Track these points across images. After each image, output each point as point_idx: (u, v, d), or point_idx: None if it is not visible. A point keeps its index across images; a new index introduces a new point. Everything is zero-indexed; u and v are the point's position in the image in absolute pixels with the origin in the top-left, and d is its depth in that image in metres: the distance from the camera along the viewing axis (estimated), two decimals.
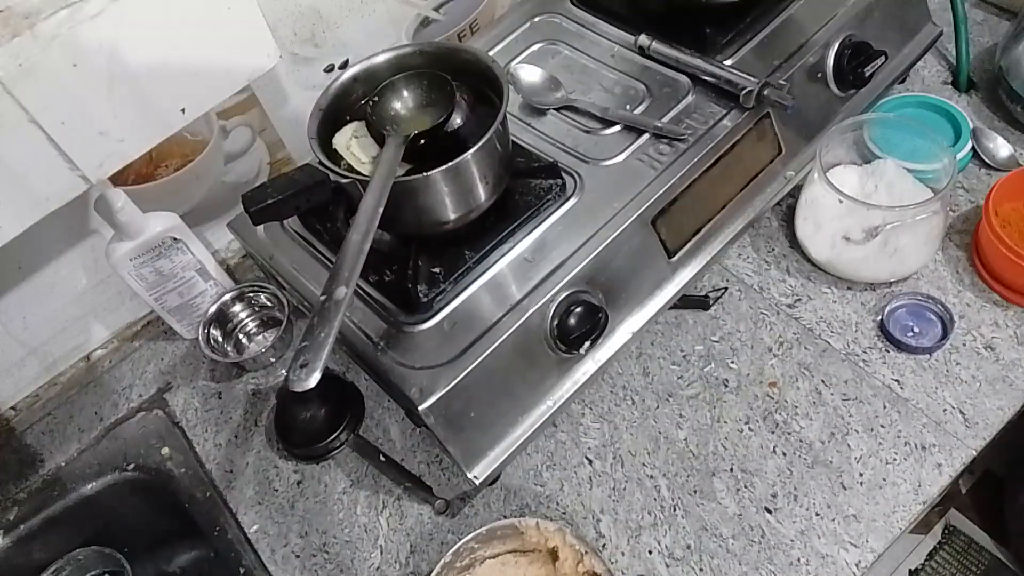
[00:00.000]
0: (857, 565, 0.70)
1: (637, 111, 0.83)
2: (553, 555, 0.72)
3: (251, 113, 0.92)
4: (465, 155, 0.66)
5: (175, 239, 0.86)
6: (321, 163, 0.69)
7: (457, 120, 0.73)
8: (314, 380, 0.55)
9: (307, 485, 0.84)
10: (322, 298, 0.58)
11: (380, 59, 0.76)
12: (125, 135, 0.65)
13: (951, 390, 0.78)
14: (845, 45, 0.86)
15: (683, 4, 0.88)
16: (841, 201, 0.80)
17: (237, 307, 0.96)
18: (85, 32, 0.58)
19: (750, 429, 0.79)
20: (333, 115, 0.74)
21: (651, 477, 0.78)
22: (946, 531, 1.49)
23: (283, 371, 0.93)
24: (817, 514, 0.73)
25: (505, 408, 0.72)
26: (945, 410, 0.77)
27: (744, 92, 0.79)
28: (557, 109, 0.85)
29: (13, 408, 0.95)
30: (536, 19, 0.96)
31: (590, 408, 0.83)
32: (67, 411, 0.95)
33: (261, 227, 0.83)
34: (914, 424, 0.77)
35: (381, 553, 0.78)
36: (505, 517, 0.77)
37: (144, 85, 0.63)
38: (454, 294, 0.73)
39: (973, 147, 0.93)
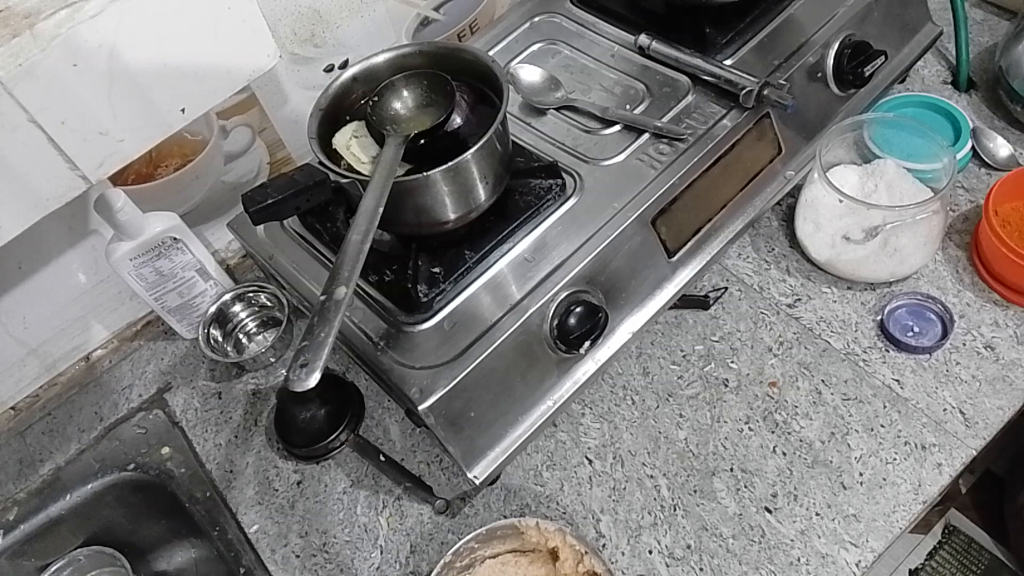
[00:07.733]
0: (857, 565, 0.70)
1: (637, 111, 0.83)
2: (553, 555, 0.72)
3: (251, 113, 0.92)
4: (465, 155, 0.66)
5: (175, 239, 0.86)
6: (321, 163, 0.69)
7: (457, 120, 0.73)
8: (314, 380, 0.55)
9: (307, 485, 0.84)
10: (322, 298, 0.58)
11: (380, 59, 0.76)
12: (125, 135, 0.64)
13: (951, 390, 0.78)
14: (845, 45, 0.86)
15: (683, 4, 0.87)
16: (841, 201, 0.80)
17: (237, 307, 0.96)
18: (85, 32, 0.58)
19: (750, 429, 0.79)
20: (333, 115, 0.74)
21: (651, 477, 0.78)
22: (946, 531, 1.49)
23: (283, 371, 0.93)
24: (817, 514, 0.73)
25: (505, 408, 0.72)
26: (945, 410, 0.77)
27: (744, 92, 0.79)
28: (557, 109, 0.85)
29: (13, 408, 0.95)
30: (536, 19, 0.96)
31: (590, 408, 0.83)
32: (67, 411, 0.95)
33: (261, 227, 0.83)
34: (914, 424, 0.77)
35: (381, 553, 0.78)
36: (505, 517, 0.77)
37: (144, 85, 0.63)
38: (454, 294, 0.73)
39: (973, 147, 0.93)
